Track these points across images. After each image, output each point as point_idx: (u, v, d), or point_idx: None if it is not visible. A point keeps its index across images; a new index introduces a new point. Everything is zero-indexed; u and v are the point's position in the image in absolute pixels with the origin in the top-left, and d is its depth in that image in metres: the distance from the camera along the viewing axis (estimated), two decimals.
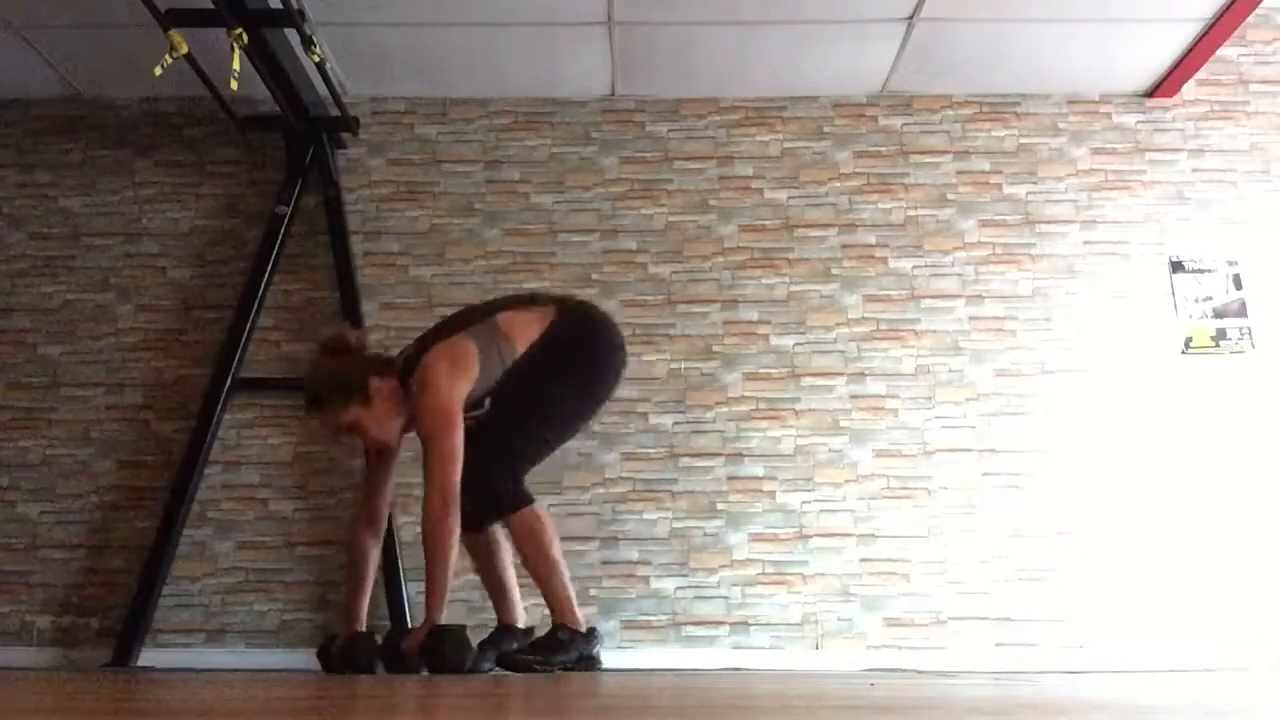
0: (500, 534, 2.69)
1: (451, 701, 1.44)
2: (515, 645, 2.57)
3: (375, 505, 2.79)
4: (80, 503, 3.77)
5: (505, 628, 2.66)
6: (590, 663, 2.54)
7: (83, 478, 3.79)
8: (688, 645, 3.59)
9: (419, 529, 3.71)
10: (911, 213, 4.03)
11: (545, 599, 2.57)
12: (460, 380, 2.53)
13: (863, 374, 3.86)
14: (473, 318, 2.71)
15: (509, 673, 2.44)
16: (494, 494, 2.55)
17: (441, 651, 2.33)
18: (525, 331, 2.64)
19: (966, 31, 3.78)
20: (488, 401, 2.63)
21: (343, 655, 2.60)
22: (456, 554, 2.47)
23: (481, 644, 2.56)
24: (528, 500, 2.57)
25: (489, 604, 3.58)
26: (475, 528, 2.66)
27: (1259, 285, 3.89)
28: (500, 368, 2.60)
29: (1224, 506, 3.66)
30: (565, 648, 2.50)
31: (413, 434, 2.71)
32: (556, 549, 2.57)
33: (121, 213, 4.08)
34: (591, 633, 2.57)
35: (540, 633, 2.61)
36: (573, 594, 2.59)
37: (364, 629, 2.74)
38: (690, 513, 3.73)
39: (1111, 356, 3.85)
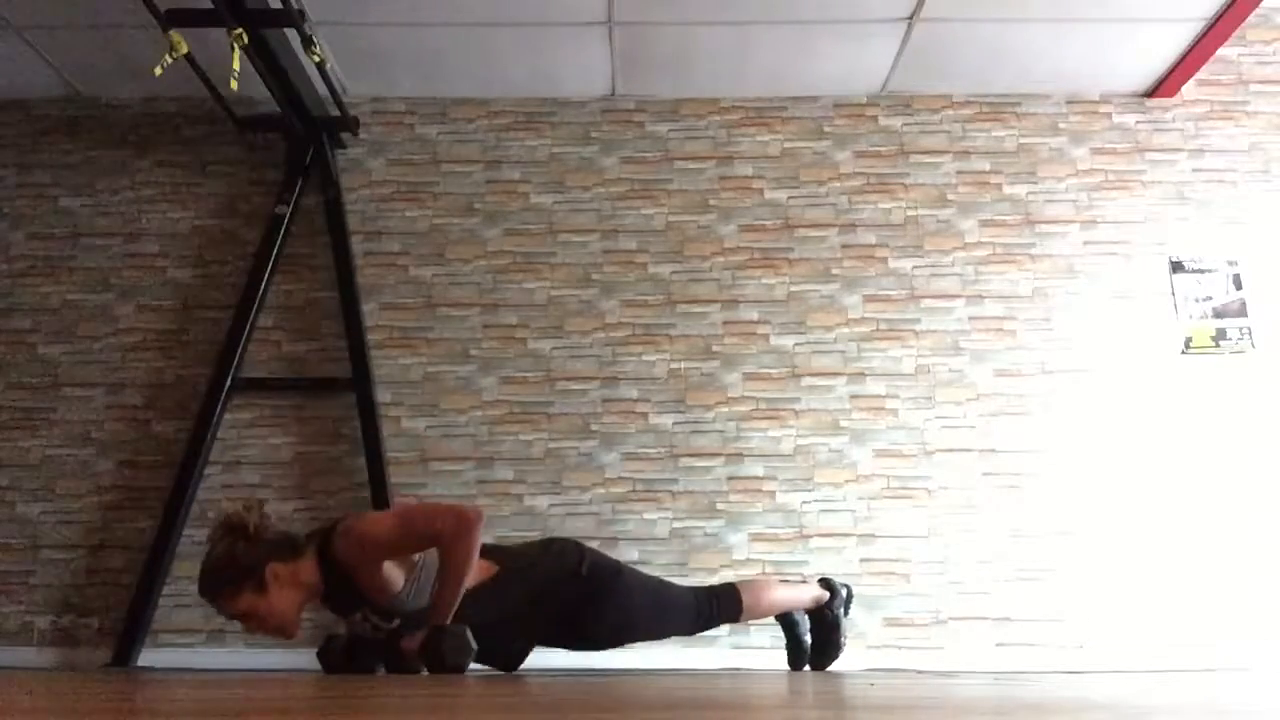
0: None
1: (451, 702, 1.44)
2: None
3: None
4: (80, 503, 3.77)
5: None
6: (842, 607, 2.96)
7: (83, 478, 3.79)
8: (688, 645, 3.59)
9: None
10: (911, 213, 4.03)
11: (796, 608, 2.95)
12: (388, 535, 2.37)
13: (863, 374, 3.86)
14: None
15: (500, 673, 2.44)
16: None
17: (441, 652, 2.32)
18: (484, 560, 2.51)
19: (966, 31, 3.78)
20: (396, 621, 2.44)
21: (344, 655, 2.59)
22: (474, 567, 2.39)
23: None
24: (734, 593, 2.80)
25: None
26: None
27: (1259, 285, 3.89)
28: (429, 586, 2.42)
29: (1224, 506, 3.66)
30: (832, 615, 2.91)
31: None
32: (768, 593, 2.88)
33: (121, 213, 4.08)
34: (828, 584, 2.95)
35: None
36: (797, 590, 2.96)
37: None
38: (690, 513, 3.73)
39: (1111, 356, 3.85)
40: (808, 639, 2.90)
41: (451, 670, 2.28)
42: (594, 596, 2.60)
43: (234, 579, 2.31)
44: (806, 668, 2.90)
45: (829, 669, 2.87)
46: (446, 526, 2.34)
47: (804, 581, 3.07)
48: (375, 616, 2.41)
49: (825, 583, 2.92)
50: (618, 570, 2.69)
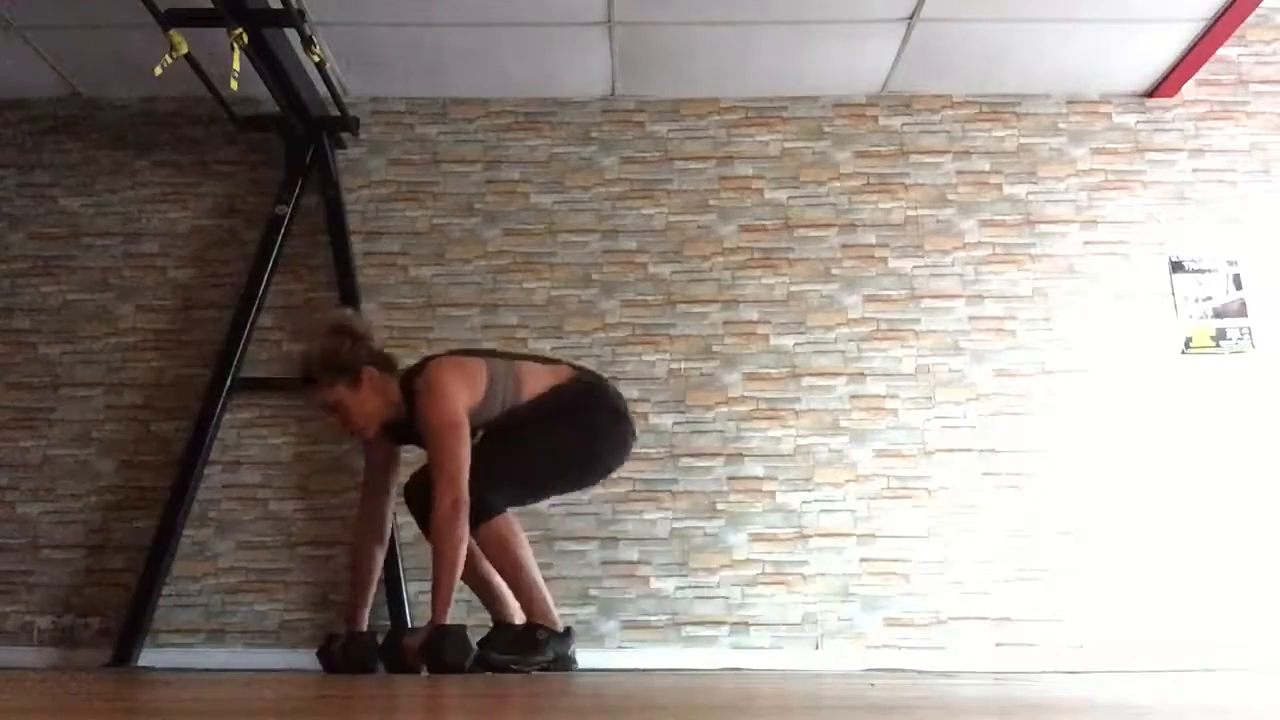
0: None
1: (451, 702, 1.44)
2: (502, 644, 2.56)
3: (378, 508, 2.78)
4: (80, 503, 3.77)
5: (502, 626, 2.66)
6: (565, 663, 2.55)
7: (83, 478, 3.79)
8: (688, 645, 3.59)
9: (418, 529, 3.72)
10: (911, 213, 4.03)
11: (519, 599, 2.57)
12: (464, 392, 2.52)
13: (863, 374, 3.86)
14: (492, 354, 2.72)
15: (491, 673, 2.44)
16: (481, 507, 2.53)
17: (442, 651, 2.33)
18: (535, 383, 2.65)
19: (966, 31, 3.78)
20: (479, 434, 2.59)
21: (344, 655, 2.60)
22: (464, 557, 2.44)
23: (480, 643, 2.55)
24: (498, 509, 2.56)
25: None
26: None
27: (1259, 285, 3.89)
28: (501, 408, 2.59)
29: (1224, 506, 3.66)
30: (541, 647, 2.50)
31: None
32: (525, 550, 2.57)
33: (121, 213, 4.08)
34: (568, 632, 2.58)
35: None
36: (548, 595, 2.59)
37: (365, 630, 2.73)
38: (690, 513, 3.73)
39: (1111, 356, 3.85)
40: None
41: (451, 669, 2.29)
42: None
43: (334, 371, 2.49)
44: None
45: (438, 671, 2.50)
46: (443, 505, 2.40)
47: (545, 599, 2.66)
48: None
49: (568, 630, 2.63)
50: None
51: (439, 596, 2.39)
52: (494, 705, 1.35)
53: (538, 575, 2.57)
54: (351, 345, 2.54)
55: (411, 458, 3.55)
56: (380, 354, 2.62)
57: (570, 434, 2.65)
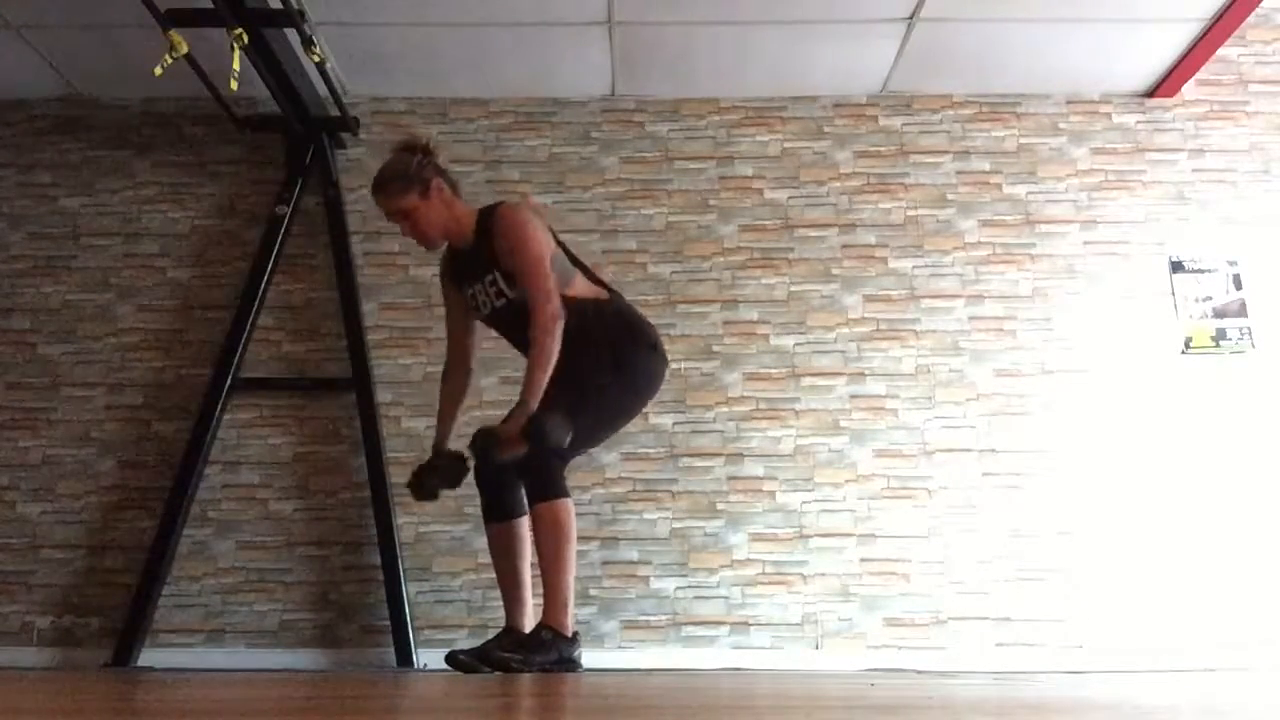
0: (526, 531, 2.68)
1: (451, 702, 1.44)
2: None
3: (462, 357, 2.86)
4: (80, 503, 3.77)
5: (511, 631, 2.65)
6: (570, 665, 2.54)
7: (83, 478, 3.79)
8: (688, 645, 3.59)
9: (419, 528, 3.72)
10: (911, 213, 4.03)
11: (545, 595, 2.56)
12: (545, 233, 2.66)
13: (863, 374, 3.86)
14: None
15: (495, 671, 2.43)
16: (546, 474, 2.56)
17: (545, 430, 2.43)
18: (579, 286, 2.72)
19: (966, 31, 3.78)
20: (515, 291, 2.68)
21: (437, 473, 2.68)
22: (556, 358, 2.54)
23: (486, 645, 2.55)
24: (566, 491, 2.59)
25: (488, 603, 3.59)
26: (505, 516, 2.66)
27: (1259, 285, 3.89)
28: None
29: (1224, 506, 3.66)
30: (546, 648, 2.49)
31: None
32: (573, 549, 2.58)
33: (121, 213, 4.08)
34: (575, 636, 2.57)
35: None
36: (571, 598, 2.58)
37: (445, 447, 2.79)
38: (690, 513, 3.73)
39: (1111, 356, 3.85)
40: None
41: (553, 446, 2.44)
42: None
43: (406, 180, 2.64)
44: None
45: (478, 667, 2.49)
46: (542, 316, 2.55)
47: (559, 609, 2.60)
48: (504, 280, 2.64)
49: (575, 635, 2.58)
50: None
51: (532, 390, 2.50)
52: (494, 705, 1.35)
53: (570, 576, 2.58)
54: (422, 159, 2.68)
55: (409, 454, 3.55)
56: (448, 173, 2.77)
57: (618, 384, 2.72)
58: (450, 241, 2.74)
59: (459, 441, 2.76)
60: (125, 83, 4.07)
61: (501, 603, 2.73)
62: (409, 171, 2.66)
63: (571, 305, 2.63)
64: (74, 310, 3.97)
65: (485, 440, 2.56)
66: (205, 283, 4.00)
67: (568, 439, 2.50)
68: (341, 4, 3.61)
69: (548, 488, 2.56)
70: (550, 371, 2.54)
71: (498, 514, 2.67)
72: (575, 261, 2.77)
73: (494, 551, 2.72)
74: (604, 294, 2.77)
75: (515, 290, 2.64)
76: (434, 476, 2.73)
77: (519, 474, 2.60)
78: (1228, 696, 1.55)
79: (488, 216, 2.69)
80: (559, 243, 2.75)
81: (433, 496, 2.75)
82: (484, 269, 2.68)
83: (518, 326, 2.66)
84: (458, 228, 2.71)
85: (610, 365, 2.68)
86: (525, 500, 2.63)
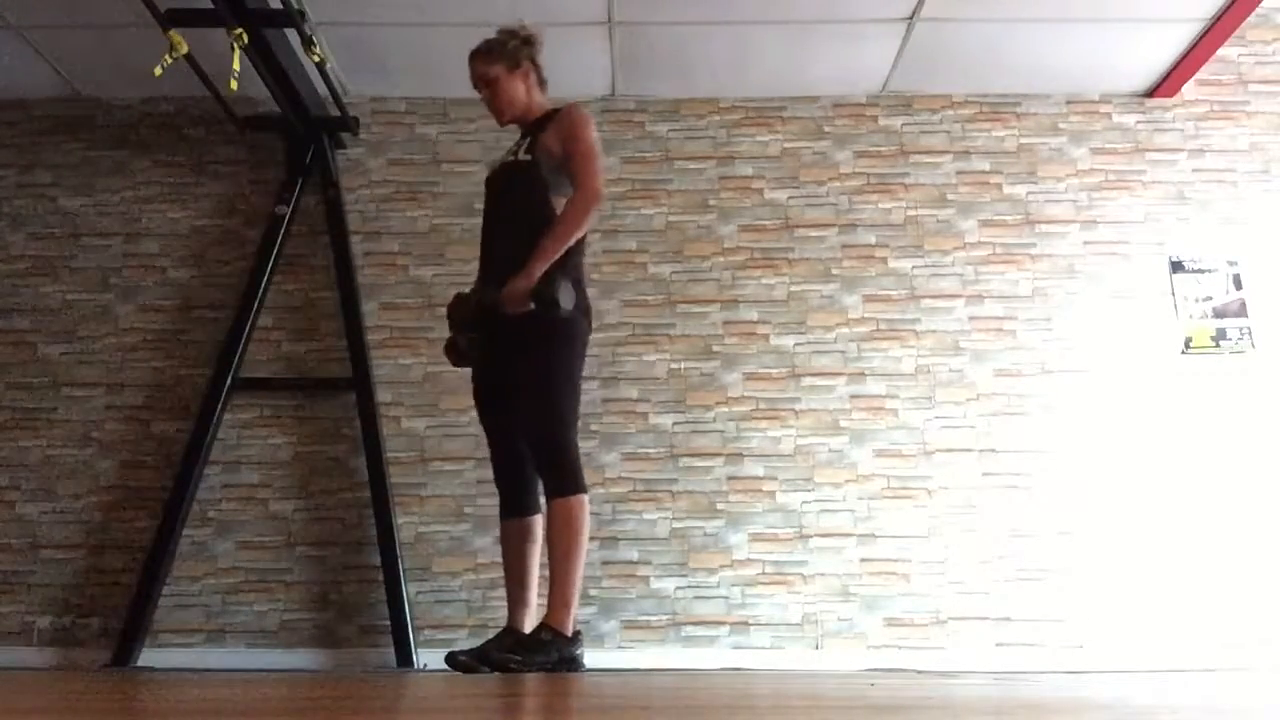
0: (539, 530, 2.68)
1: (451, 702, 1.44)
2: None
3: None
4: (80, 503, 3.77)
5: (512, 631, 2.65)
6: (571, 665, 2.54)
7: (83, 478, 3.79)
8: (688, 645, 3.60)
9: (419, 528, 3.73)
10: (911, 213, 4.03)
11: (550, 591, 2.56)
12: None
13: (863, 374, 3.86)
14: None
15: (495, 671, 2.43)
16: (566, 469, 2.56)
17: (554, 291, 2.47)
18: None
19: (966, 31, 3.78)
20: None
21: (469, 315, 2.69)
22: (574, 240, 2.61)
23: (485, 645, 2.54)
24: (584, 487, 2.59)
25: (488, 603, 3.59)
26: (520, 513, 2.67)
27: (1259, 285, 3.89)
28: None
29: (1224, 506, 3.66)
30: (546, 648, 2.49)
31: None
32: (584, 548, 2.57)
33: (121, 213, 4.08)
34: (576, 636, 2.57)
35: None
36: (577, 598, 2.58)
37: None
38: (690, 513, 3.73)
39: (1111, 356, 3.85)
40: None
41: (558, 309, 2.48)
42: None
43: (500, 51, 2.81)
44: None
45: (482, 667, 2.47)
46: (588, 189, 2.63)
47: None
48: (529, 148, 2.73)
49: (576, 634, 2.55)
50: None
51: (544, 257, 2.54)
52: (494, 705, 1.35)
53: (578, 575, 2.57)
54: (520, 43, 2.83)
55: (409, 457, 3.56)
56: (541, 69, 2.89)
57: (577, 363, 2.71)
58: (520, 122, 2.85)
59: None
60: (125, 83, 4.07)
61: (502, 602, 2.73)
62: (505, 46, 2.82)
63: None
64: (74, 310, 3.97)
65: (492, 297, 2.59)
66: (205, 283, 4.00)
67: (572, 304, 2.55)
68: (341, 4, 3.61)
69: (566, 483, 2.56)
70: (564, 248, 2.60)
71: (513, 510, 2.67)
72: None
73: (505, 548, 2.72)
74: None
75: (528, 155, 2.72)
76: (465, 325, 2.73)
77: (538, 468, 2.60)
78: (1228, 696, 1.55)
79: (557, 110, 2.81)
80: None
81: (467, 357, 2.75)
82: (522, 137, 2.80)
83: (509, 190, 2.74)
84: (529, 113, 2.83)
85: (577, 354, 2.69)
86: (541, 499, 2.63)
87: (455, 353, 2.79)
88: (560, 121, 2.74)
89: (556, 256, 2.57)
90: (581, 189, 2.65)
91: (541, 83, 2.88)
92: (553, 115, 2.79)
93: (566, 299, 2.53)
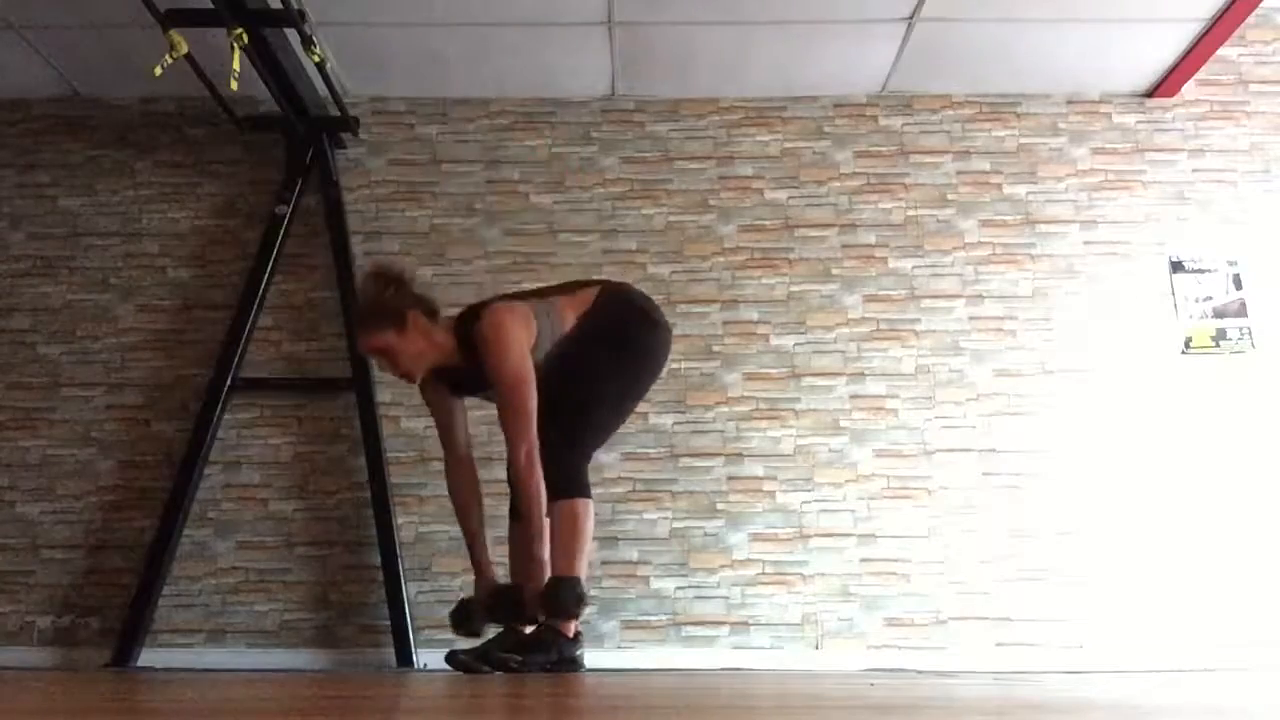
0: (545, 533, 2.68)
1: (451, 702, 1.44)
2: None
3: (458, 450, 2.80)
4: (80, 503, 3.77)
5: (511, 631, 2.65)
6: (571, 665, 2.54)
7: (83, 478, 3.79)
8: (688, 645, 3.59)
9: (419, 528, 3.72)
10: (911, 213, 4.03)
11: None
12: (524, 336, 2.60)
13: (863, 374, 3.86)
14: (531, 294, 2.80)
15: (495, 671, 2.43)
16: (571, 472, 2.58)
17: (560, 599, 2.46)
18: (573, 309, 2.70)
19: (966, 31, 3.78)
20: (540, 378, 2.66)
21: (489, 610, 2.64)
22: (545, 497, 2.53)
23: (486, 645, 2.55)
24: (588, 491, 2.59)
25: None
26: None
27: (1259, 285, 3.89)
28: (550, 341, 2.65)
29: (1224, 506, 3.66)
30: (546, 648, 2.50)
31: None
32: (587, 550, 2.59)
33: (121, 213, 4.08)
34: (577, 636, 2.57)
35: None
36: None
37: (494, 578, 2.74)
38: (690, 513, 3.73)
39: (1111, 356, 3.85)
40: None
41: (568, 616, 2.46)
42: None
43: (380, 316, 2.59)
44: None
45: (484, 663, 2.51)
46: (520, 452, 2.51)
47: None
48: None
49: (577, 634, 2.58)
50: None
51: (536, 558, 2.51)
52: (494, 705, 1.35)
53: (582, 575, 2.58)
54: (395, 291, 2.63)
55: (410, 457, 3.56)
56: (422, 297, 2.70)
57: (618, 367, 2.71)
58: (436, 366, 2.68)
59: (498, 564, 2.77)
60: (125, 83, 4.07)
61: None
62: (383, 305, 2.60)
63: (574, 330, 2.66)
64: (74, 310, 3.97)
65: (508, 608, 2.58)
66: (205, 283, 4.00)
67: (581, 606, 2.52)
68: (341, 4, 3.61)
69: (571, 486, 2.57)
70: (542, 511, 2.52)
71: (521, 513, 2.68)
72: (561, 290, 2.78)
73: (512, 550, 2.73)
74: (589, 300, 2.74)
75: None
76: (480, 610, 2.68)
77: (545, 463, 2.61)
78: (1228, 696, 1.55)
79: (468, 328, 2.62)
80: (541, 291, 2.76)
81: (476, 634, 2.66)
82: (485, 383, 2.64)
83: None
84: (439, 353, 2.65)
85: (608, 354, 2.69)
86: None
87: (468, 623, 2.70)
88: (482, 350, 2.57)
89: (544, 558, 2.52)
90: (512, 453, 2.52)
91: (432, 315, 2.66)
92: (469, 336, 2.61)
93: (571, 600, 2.49)
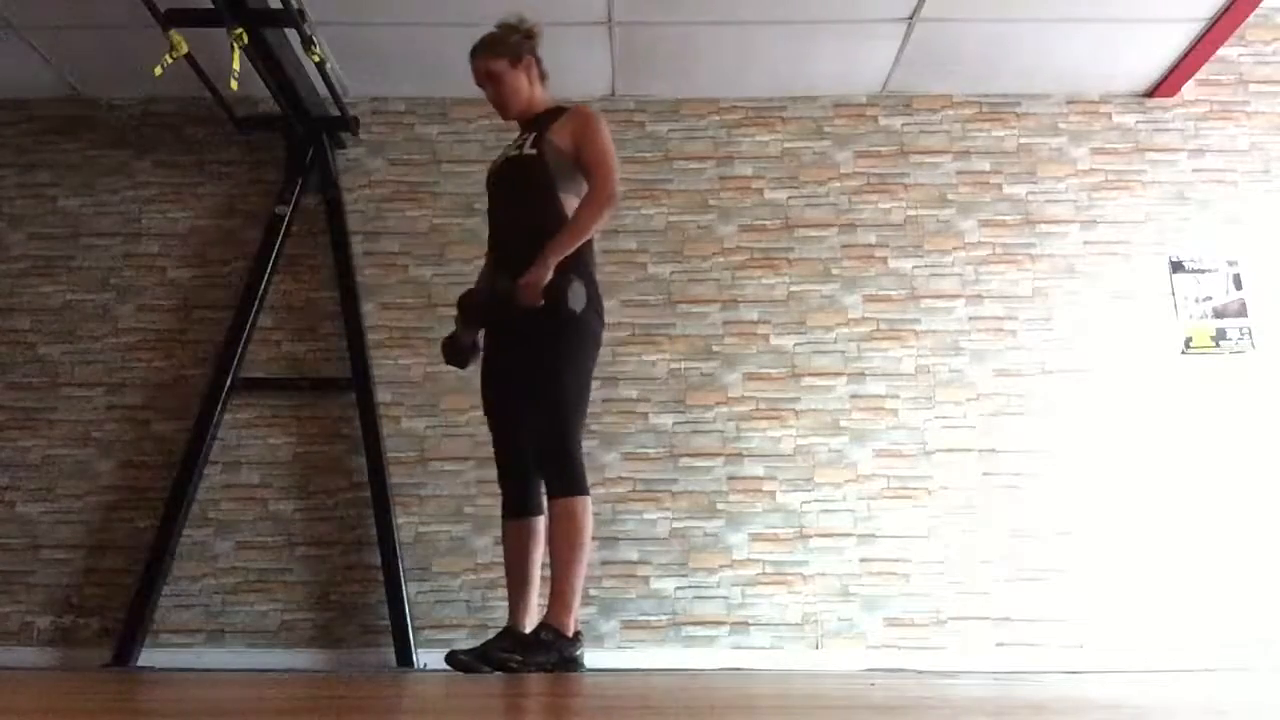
0: (541, 530, 2.67)
1: (451, 702, 1.45)
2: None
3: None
4: (80, 503, 3.77)
5: (510, 631, 2.64)
6: (571, 665, 2.53)
7: (83, 478, 3.79)
8: (688, 645, 3.60)
9: (419, 528, 3.72)
10: (911, 213, 4.03)
11: (551, 591, 2.56)
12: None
13: (863, 374, 3.86)
14: None
15: (495, 671, 2.43)
16: (569, 469, 2.57)
17: (565, 294, 2.49)
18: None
19: (966, 31, 3.78)
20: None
21: (481, 303, 2.70)
22: (589, 235, 2.63)
23: (486, 645, 2.54)
24: (586, 489, 2.59)
25: (488, 603, 3.60)
26: (523, 514, 2.67)
27: (1259, 285, 3.89)
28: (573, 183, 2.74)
29: (1224, 506, 3.66)
30: (546, 648, 2.49)
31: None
32: (586, 549, 2.57)
33: (121, 213, 4.08)
34: (577, 636, 2.57)
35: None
36: (578, 598, 2.58)
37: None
38: (690, 513, 3.73)
39: (1111, 356, 3.85)
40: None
41: (568, 307, 2.50)
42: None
43: (503, 46, 2.82)
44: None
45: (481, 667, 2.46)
46: (605, 190, 2.64)
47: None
48: (529, 139, 2.74)
49: (577, 634, 2.54)
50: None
51: (564, 246, 2.56)
52: (494, 705, 1.35)
53: (580, 576, 2.56)
54: (522, 37, 2.84)
55: (410, 456, 3.55)
56: (543, 64, 2.89)
57: (586, 359, 2.71)
58: (522, 118, 2.84)
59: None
60: (125, 83, 4.07)
61: (502, 602, 2.73)
62: (508, 41, 2.82)
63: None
64: (74, 310, 3.97)
65: (505, 287, 2.59)
66: (205, 283, 4.00)
67: (581, 306, 2.54)
68: (341, 4, 3.61)
69: (570, 484, 2.56)
70: (577, 245, 2.60)
71: (516, 510, 2.67)
72: None
73: (507, 548, 2.71)
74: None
75: (533, 149, 2.71)
76: (474, 311, 2.73)
77: (541, 467, 2.60)
78: (1228, 696, 1.55)
79: (564, 108, 2.80)
80: None
81: (464, 357, 2.78)
82: (525, 132, 2.79)
83: (515, 185, 2.73)
84: (531, 107, 2.82)
85: (588, 352, 2.68)
86: (544, 500, 2.63)
87: (454, 350, 2.79)
88: (573, 120, 2.74)
89: (569, 252, 2.58)
90: (598, 190, 2.65)
91: (543, 77, 2.88)
92: (556, 112, 2.78)
93: (577, 299, 2.53)
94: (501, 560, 2.76)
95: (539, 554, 2.67)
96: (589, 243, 2.71)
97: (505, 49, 2.82)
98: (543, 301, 2.52)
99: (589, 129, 2.72)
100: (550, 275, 2.54)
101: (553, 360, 2.61)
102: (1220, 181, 4.02)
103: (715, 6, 3.63)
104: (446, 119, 4.15)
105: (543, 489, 2.64)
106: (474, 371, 2.79)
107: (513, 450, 2.68)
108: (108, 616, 3.63)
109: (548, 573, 2.57)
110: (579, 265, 2.63)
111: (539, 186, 2.67)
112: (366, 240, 4.02)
